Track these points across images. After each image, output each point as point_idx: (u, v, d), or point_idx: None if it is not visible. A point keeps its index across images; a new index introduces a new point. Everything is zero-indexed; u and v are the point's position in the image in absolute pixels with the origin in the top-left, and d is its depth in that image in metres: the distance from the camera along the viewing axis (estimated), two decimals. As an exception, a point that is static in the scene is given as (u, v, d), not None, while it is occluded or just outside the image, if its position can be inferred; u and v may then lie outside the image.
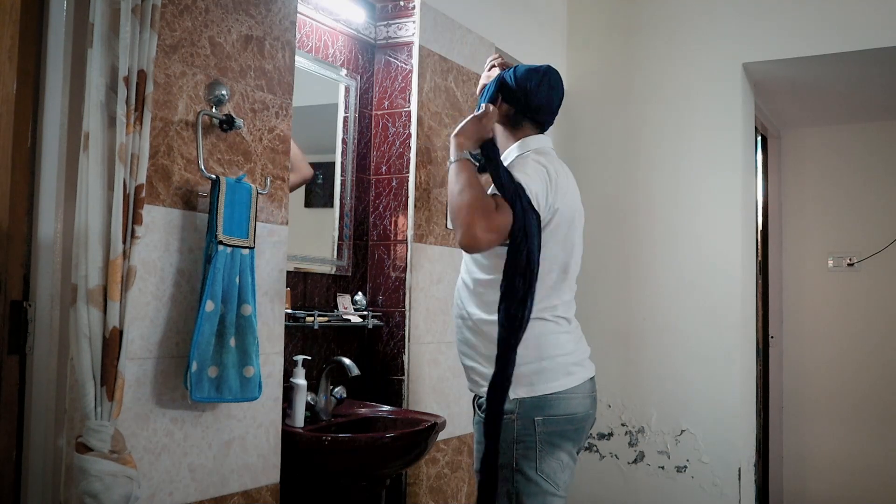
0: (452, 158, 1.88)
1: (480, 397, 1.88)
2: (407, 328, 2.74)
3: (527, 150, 1.95)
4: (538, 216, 1.76)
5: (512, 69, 2.05)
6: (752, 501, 3.66)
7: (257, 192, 2.00)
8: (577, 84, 3.92)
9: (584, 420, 1.84)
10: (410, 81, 2.82)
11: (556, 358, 1.81)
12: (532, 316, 1.79)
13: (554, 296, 1.85)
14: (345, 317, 2.66)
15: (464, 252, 1.86)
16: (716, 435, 3.53)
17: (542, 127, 2.02)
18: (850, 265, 4.54)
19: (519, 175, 1.80)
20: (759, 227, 4.45)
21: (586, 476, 3.75)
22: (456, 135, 1.93)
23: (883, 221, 4.46)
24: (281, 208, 2.16)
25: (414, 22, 2.82)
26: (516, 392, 1.79)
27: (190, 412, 1.89)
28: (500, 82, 2.02)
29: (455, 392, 2.92)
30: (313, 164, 2.75)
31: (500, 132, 2.02)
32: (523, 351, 1.79)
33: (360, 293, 2.77)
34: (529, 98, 1.97)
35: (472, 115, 1.98)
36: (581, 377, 1.84)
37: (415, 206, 2.79)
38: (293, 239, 2.27)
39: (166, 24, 1.83)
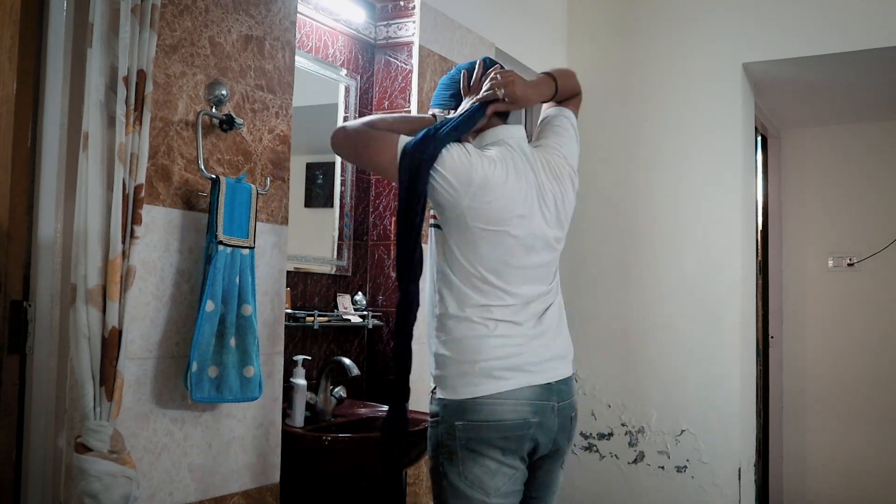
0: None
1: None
2: (407, 328, 2.74)
3: (482, 145, 1.81)
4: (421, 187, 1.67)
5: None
6: (752, 501, 3.66)
7: (257, 192, 2.00)
8: (577, 84, 3.91)
9: (520, 429, 1.68)
10: (410, 81, 2.82)
11: (480, 362, 1.69)
12: (460, 315, 1.71)
13: (485, 297, 1.72)
14: (345, 317, 2.66)
15: None
16: (716, 435, 3.53)
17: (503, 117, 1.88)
18: (850, 265, 4.54)
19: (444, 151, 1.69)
20: (759, 227, 4.45)
21: (586, 476, 3.75)
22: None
23: (883, 221, 4.46)
24: (281, 208, 2.16)
25: (414, 22, 2.82)
26: (442, 392, 1.72)
27: (190, 412, 1.89)
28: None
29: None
30: (313, 164, 2.75)
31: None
32: (449, 352, 1.72)
33: (360, 293, 2.77)
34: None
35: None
36: (515, 383, 1.69)
37: (415, 206, 2.78)
38: (293, 239, 2.27)
39: (166, 24, 1.83)
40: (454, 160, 1.68)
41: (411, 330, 1.72)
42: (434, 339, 1.77)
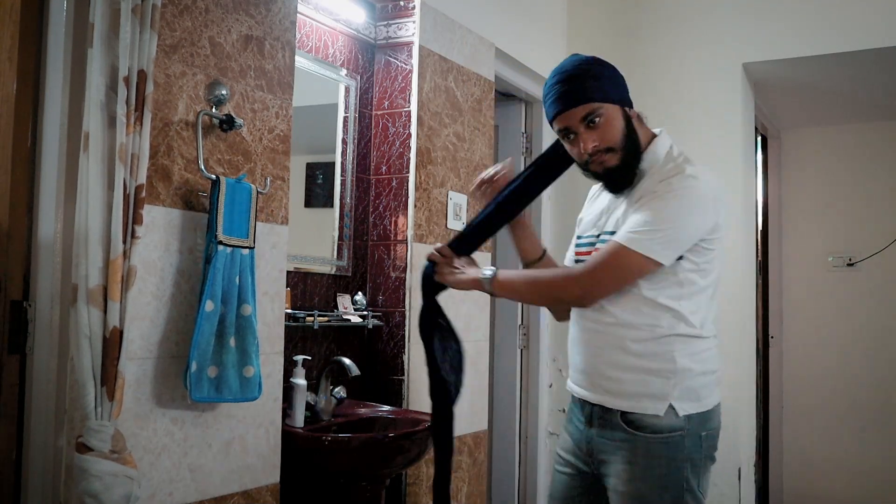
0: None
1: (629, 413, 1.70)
2: (407, 328, 2.74)
3: (671, 155, 1.78)
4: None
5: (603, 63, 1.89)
6: (752, 501, 3.66)
7: (257, 192, 2.00)
8: (577, 84, 3.91)
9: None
10: (410, 81, 2.82)
11: (716, 371, 1.74)
12: (704, 333, 1.72)
13: (706, 306, 1.74)
14: (345, 317, 2.66)
15: None
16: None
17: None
18: (850, 265, 4.54)
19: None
20: (759, 227, 4.45)
21: (586, 476, 3.75)
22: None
23: (883, 221, 4.46)
24: (281, 208, 2.16)
25: (414, 22, 2.82)
26: (684, 408, 1.66)
27: (190, 412, 1.89)
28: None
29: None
30: (313, 164, 2.75)
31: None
32: (691, 364, 1.68)
33: (360, 293, 2.77)
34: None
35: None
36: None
37: (415, 206, 2.79)
38: (293, 239, 2.27)
39: (166, 24, 1.83)
40: (697, 203, 1.70)
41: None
42: (666, 355, 1.68)
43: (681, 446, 1.65)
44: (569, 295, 1.74)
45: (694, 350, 1.69)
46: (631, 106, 1.81)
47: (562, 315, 1.93)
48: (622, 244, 1.64)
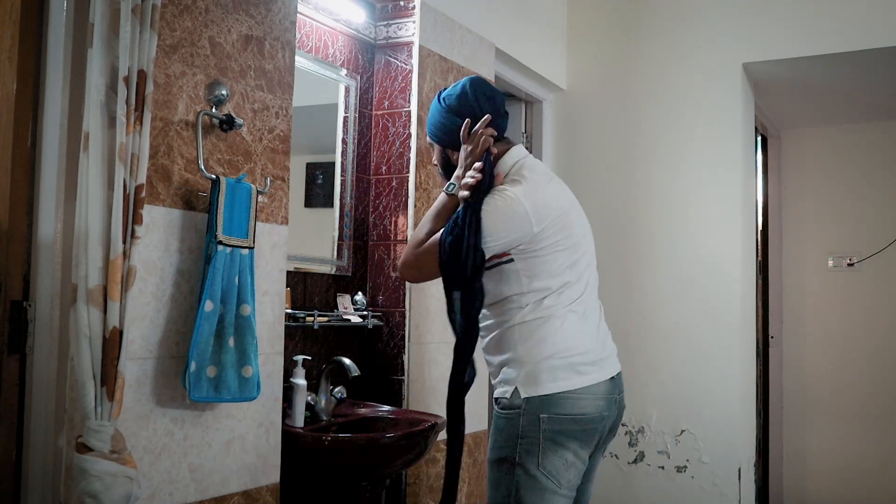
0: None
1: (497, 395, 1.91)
2: (407, 328, 2.74)
3: (509, 170, 1.92)
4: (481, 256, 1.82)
5: (440, 102, 2.01)
6: (752, 501, 3.66)
7: (257, 192, 2.00)
8: (577, 84, 3.92)
9: (596, 422, 1.82)
10: (410, 81, 2.82)
11: (565, 357, 1.81)
12: (543, 316, 1.83)
13: (562, 296, 1.85)
14: (345, 317, 2.66)
15: None
16: (716, 435, 3.53)
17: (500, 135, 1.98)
18: (850, 265, 4.54)
19: (485, 217, 1.81)
20: (759, 227, 4.45)
21: (586, 476, 3.75)
22: (460, 161, 1.95)
23: (883, 221, 4.45)
24: (281, 208, 2.16)
25: (414, 22, 2.82)
26: (525, 390, 1.81)
27: (190, 412, 1.89)
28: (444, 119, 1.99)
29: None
30: (313, 164, 2.75)
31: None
32: (529, 351, 1.82)
33: (360, 293, 2.77)
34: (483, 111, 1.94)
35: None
36: (594, 378, 1.83)
37: (415, 206, 2.79)
38: (293, 239, 2.27)
39: (166, 24, 1.83)
40: (498, 215, 1.81)
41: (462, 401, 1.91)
42: (514, 344, 1.86)
43: (516, 423, 1.81)
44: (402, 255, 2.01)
45: (532, 337, 1.83)
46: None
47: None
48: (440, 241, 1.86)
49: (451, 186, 1.93)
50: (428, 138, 2.06)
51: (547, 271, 1.84)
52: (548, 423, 1.78)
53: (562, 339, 1.83)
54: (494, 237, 1.81)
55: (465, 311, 1.86)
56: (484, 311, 1.91)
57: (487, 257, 1.83)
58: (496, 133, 1.93)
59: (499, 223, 1.80)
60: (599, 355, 1.88)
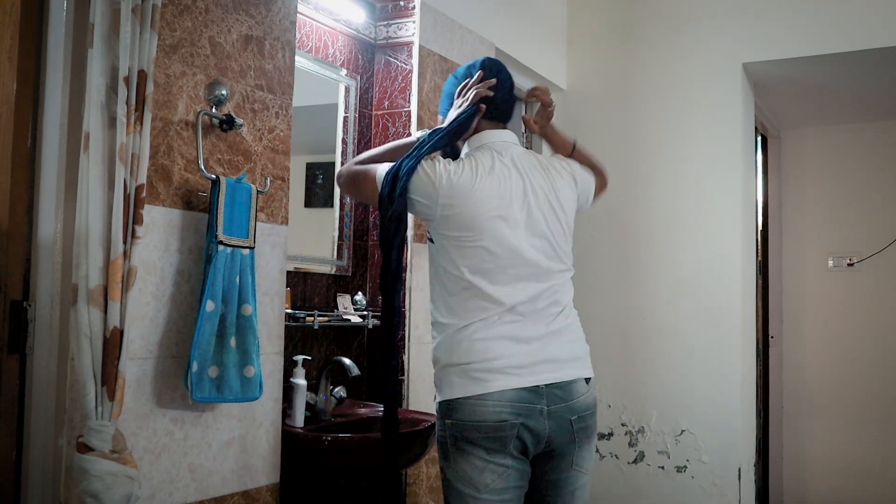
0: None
1: None
2: (407, 328, 2.74)
3: (474, 147, 1.88)
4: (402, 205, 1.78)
5: (453, 77, 1.98)
6: (752, 501, 3.66)
7: (257, 192, 2.00)
8: (577, 84, 3.92)
9: (501, 430, 1.70)
10: (410, 81, 2.82)
11: (461, 364, 1.74)
12: (447, 321, 1.78)
13: (477, 299, 1.75)
14: (345, 317, 2.66)
15: None
16: (716, 435, 3.53)
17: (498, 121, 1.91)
18: (850, 265, 4.54)
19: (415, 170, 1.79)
20: (759, 227, 4.45)
21: (586, 476, 3.75)
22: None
23: (883, 221, 4.45)
24: (281, 208, 2.16)
25: (414, 22, 2.82)
26: (438, 395, 1.81)
27: (190, 412, 1.89)
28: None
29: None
30: (313, 164, 2.75)
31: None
32: (441, 354, 1.80)
33: (360, 293, 2.77)
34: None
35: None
36: (497, 386, 1.71)
37: (415, 206, 2.78)
38: (293, 239, 2.27)
39: (166, 24, 1.83)
40: (418, 178, 1.77)
41: (395, 338, 1.84)
42: (434, 344, 1.84)
43: (434, 428, 1.85)
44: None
45: (445, 340, 1.80)
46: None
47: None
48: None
49: (424, 135, 1.89)
50: (439, 117, 2.02)
51: (461, 262, 1.76)
52: (451, 428, 1.75)
53: (467, 344, 1.75)
54: (411, 192, 1.77)
55: (384, 265, 1.82)
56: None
57: (406, 210, 1.79)
58: (492, 95, 1.86)
59: (416, 181, 1.76)
60: (515, 363, 1.73)
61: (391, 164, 1.82)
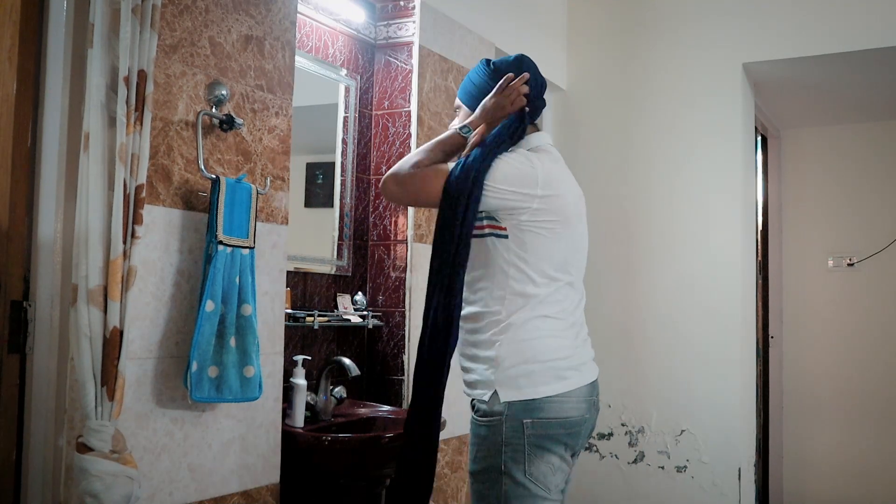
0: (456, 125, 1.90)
1: (473, 398, 1.83)
2: (407, 328, 2.74)
3: (531, 146, 1.87)
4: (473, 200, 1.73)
5: (487, 66, 1.93)
6: (752, 501, 3.66)
7: (257, 192, 2.00)
8: (577, 84, 3.92)
9: (579, 425, 1.77)
10: (410, 81, 2.82)
11: (547, 362, 1.74)
12: (524, 318, 1.75)
13: (549, 296, 1.78)
14: (345, 317, 2.66)
15: None
16: (716, 435, 3.53)
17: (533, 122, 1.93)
18: (850, 265, 4.54)
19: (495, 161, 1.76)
20: (759, 227, 4.45)
21: (586, 476, 3.75)
22: (480, 107, 1.88)
23: (883, 221, 4.45)
24: (281, 208, 2.16)
25: (414, 22, 2.82)
26: (505, 395, 1.73)
27: (190, 412, 1.89)
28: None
29: (455, 392, 2.90)
30: (313, 164, 2.75)
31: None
32: (510, 353, 1.75)
33: (360, 293, 2.77)
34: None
35: (494, 92, 1.87)
36: (576, 382, 1.76)
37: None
38: (293, 239, 2.27)
39: (166, 24, 1.83)
40: (512, 168, 1.75)
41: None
42: (493, 344, 1.77)
43: (499, 430, 1.73)
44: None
45: (514, 338, 1.75)
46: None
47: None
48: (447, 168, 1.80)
49: (466, 129, 1.86)
50: (458, 101, 1.96)
51: (540, 257, 1.76)
52: (532, 428, 1.71)
53: (544, 342, 1.75)
54: (501, 183, 1.73)
55: (443, 306, 1.75)
56: (465, 291, 1.82)
57: (484, 210, 1.75)
58: (530, 95, 1.86)
59: (509, 173, 1.74)
60: (580, 360, 1.80)
61: (455, 161, 1.79)
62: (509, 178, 1.73)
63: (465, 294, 1.82)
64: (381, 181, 1.83)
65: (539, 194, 1.74)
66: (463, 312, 1.82)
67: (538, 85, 1.91)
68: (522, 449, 1.72)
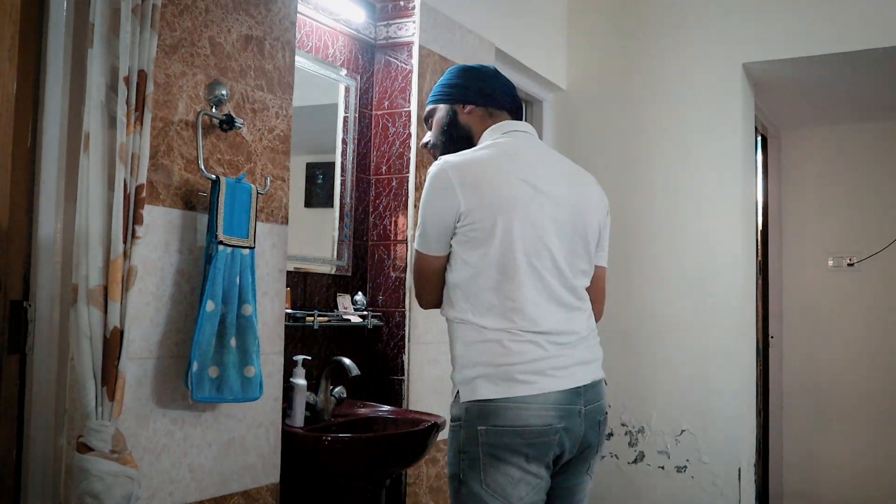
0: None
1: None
2: (407, 328, 2.74)
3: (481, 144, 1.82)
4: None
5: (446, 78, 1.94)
6: (752, 501, 3.66)
7: (257, 192, 2.00)
8: (577, 84, 3.92)
9: (544, 434, 1.62)
10: (410, 81, 2.82)
11: (503, 366, 1.63)
12: (478, 322, 1.67)
13: (497, 297, 1.66)
14: (345, 317, 2.66)
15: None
16: (716, 435, 3.53)
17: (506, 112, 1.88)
18: (850, 265, 4.54)
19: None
20: (759, 227, 4.45)
21: (586, 476, 3.75)
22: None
23: (883, 221, 4.46)
24: (281, 208, 2.16)
25: (414, 22, 2.82)
26: (463, 394, 1.66)
27: (190, 412, 1.89)
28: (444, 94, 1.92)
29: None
30: (313, 164, 2.75)
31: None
32: (467, 349, 1.68)
33: (360, 293, 2.77)
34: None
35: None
36: (541, 388, 1.63)
37: (415, 206, 2.79)
38: (293, 239, 2.27)
39: (166, 24, 1.83)
40: (424, 195, 1.72)
41: None
42: (457, 342, 1.73)
43: (458, 436, 1.67)
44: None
45: (472, 339, 1.68)
46: (464, 103, 1.87)
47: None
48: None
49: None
50: (430, 106, 1.92)
51: (478, 255, 1.66)
52: (486, 436, 1.61)
53: (502, 344, 1.65)
54: (422, 218, 1.69)
55: None
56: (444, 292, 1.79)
57: (425, 251, 1.73)
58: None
59: (424, 201, 1.70)
60: (555, 364, 1.66)
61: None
62: (425, 205, 1.73)
63: (444, 295, 1.78)
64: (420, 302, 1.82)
65: (462, 201, 1.66)
66: (445, 315, 1.78)
67: (487, 81, 1.88)
68: (478, 457, 1.63)
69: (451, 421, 1.71)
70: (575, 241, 1.75)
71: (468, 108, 1.86)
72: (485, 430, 1.62)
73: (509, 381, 1.63)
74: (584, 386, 1.70)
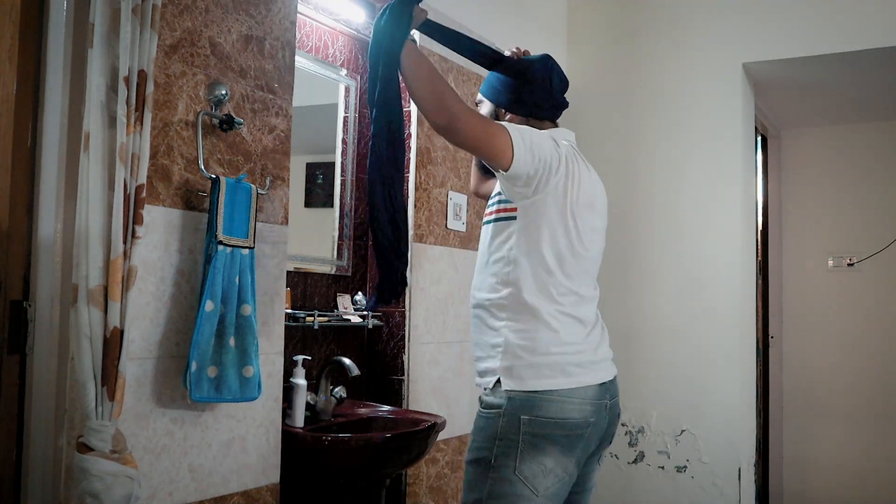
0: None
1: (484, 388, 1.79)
2: (407, 328, 2.74)
3: None
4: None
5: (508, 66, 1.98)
6: (752, 502, 3.66)
7: (257, 192, 2.00)
8: (577, 84, 3.92)
9: (581, 427, 1.71)
10: (410, 81, 2.81)
11: (553, 356, 1.71)
12: (534, 304, 1.72)
13: (558, 288, 1.75)
14: (345, 317, 2.66)
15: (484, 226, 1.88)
16: (716, 435, 3.53)
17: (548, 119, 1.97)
18: (850, 265, 4.54)
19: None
20: (759, 227, 4.45)
21: (586, 476, 3.75)
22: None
23: (883, 221, 4.45)
24: (281, 208, 2.16)
25: (414, 22, 2.81)
26: (507, 384, 1.71)
27: (190, 412, 1.89)
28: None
29: (455, 392, 2.92)
30: (313, 164, 2.75)
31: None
32: (518, 341, 1.72)
33: (360, 293, 2.77)
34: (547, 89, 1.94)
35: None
36: (582, 381, 1.72)
37: (415, 206, 2.78)
38: (293, 239, 2.27)
39: (166, 24, 1.83)
40: (521, 129, 1.75)
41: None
42: (504, 329, 1.76)
43: (494, 424, 1.71)
44: (436, 115, 1.77)
45: (525, 327, 1.73)
46: (504, 109, 1.96)
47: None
48: (506, 125, 1.74)
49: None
50: (480, 95, 2.03)
51: (547, 238, 1.74)
52: (529, 425, 1.67)
53: (552, 334, 1.72)
54: (522, 138, 1.70)
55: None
56: (480, 276, 1.82)
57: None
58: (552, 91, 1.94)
59: (525, 133, 1.72)
60: (591, 357, 1.77)
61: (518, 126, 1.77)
62: (526, 137, 1.73)
63: (480, 279, 1.84)
64: (449, 121, 1.73)
65: (559, 171, 1.75)
66: (478, 298, 1.83)
67: (562, 82, 1.97)
68: (516, 445, 1.68)
69: (487, 408, 1.74)
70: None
71: (508, 115, 1.96)
72: (528, 419, 1.68)
73: (558, 373, 1.71)
74: (609, 381, 1.82)
